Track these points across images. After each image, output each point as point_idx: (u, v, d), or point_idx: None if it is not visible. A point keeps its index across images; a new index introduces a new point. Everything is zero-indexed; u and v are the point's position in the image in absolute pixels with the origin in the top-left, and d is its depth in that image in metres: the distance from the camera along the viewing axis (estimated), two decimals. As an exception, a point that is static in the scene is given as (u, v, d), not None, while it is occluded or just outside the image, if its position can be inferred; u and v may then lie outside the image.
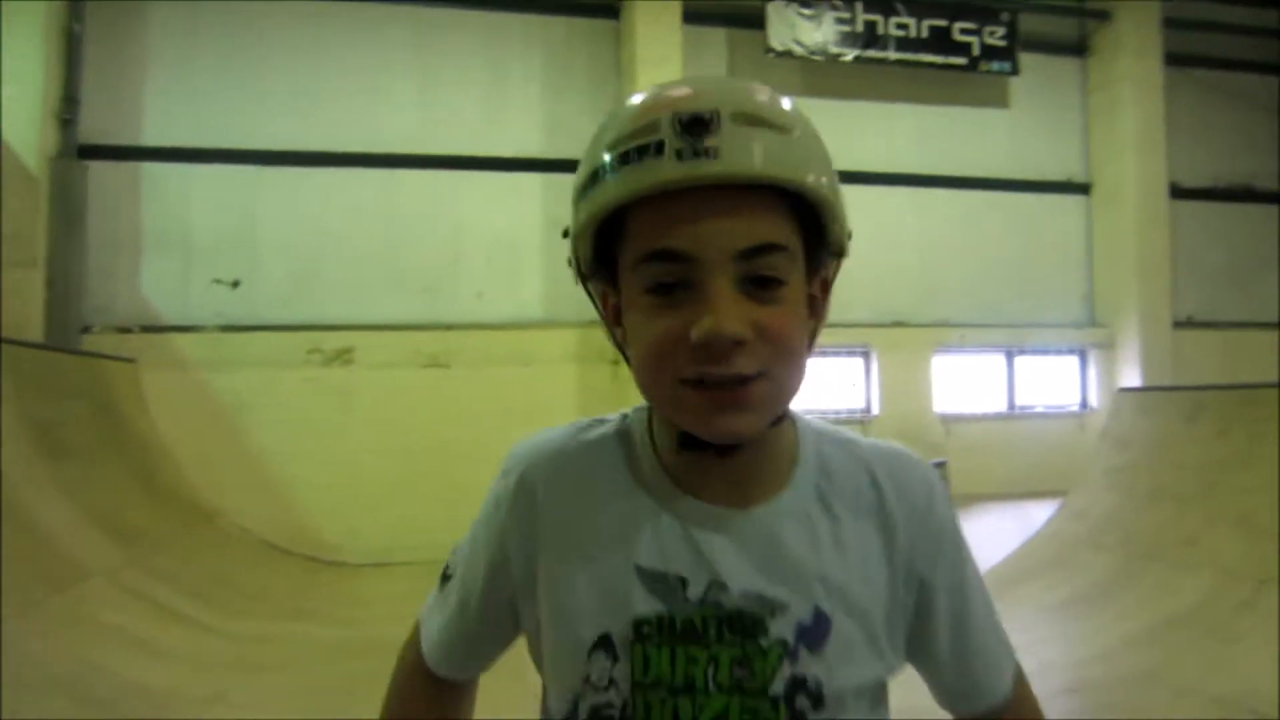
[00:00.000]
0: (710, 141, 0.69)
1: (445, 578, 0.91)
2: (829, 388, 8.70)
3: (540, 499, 0.83)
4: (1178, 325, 9.23)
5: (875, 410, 8.71)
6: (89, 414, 5.28)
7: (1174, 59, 9.35)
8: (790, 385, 0.75)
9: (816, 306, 0.80)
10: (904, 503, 0.84)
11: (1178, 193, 9.40)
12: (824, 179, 0.74)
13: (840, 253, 0.79)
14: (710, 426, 0.74)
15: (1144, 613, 4.08)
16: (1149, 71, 9.17)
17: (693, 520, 0.80)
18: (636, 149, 0.72)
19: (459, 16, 8.01)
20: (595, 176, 0.75)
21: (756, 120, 0.71)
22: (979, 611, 0.87)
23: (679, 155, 0.70)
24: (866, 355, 8.76)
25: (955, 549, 0.86)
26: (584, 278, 0.82)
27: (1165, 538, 4.53)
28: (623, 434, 0.86)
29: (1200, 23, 9.53)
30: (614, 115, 0.76)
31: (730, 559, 0.78)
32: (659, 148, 0.70)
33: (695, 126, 0.70)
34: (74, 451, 4.74)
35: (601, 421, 0.89)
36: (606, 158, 0.74)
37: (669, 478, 0.82)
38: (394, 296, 7.60)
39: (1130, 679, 3.60)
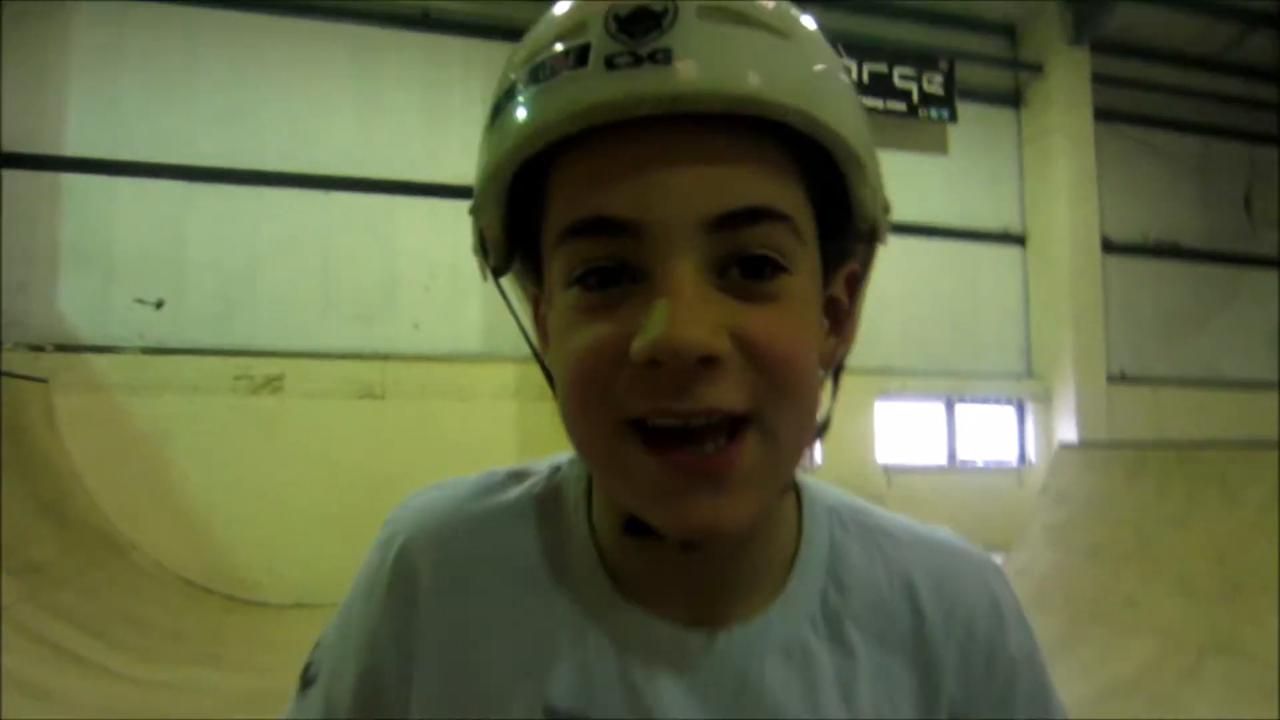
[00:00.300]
0: (661, 43, 0.45)
1: (306, 682, 0.64)
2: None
3: (423, 589, 0.58)
4: (1111, 380, 9.37)
5: (818, 459, 8.66)
6: (-8, 437, 4.94)
7: (1104, 114, 9.57)
8: (796, 438, 0.50)
9: (839, 316, 0.57)
10: (957, 630, 0.59)
11: (1109, 247, 9.60)
12: (847, 111, 0.50)
13: (874, 234, 0.55)
14: (670, 513, 0.48)
15: (1089, 680, 4.04)
16: (1080, 125, 9.36)
17: (634, 645, 0.55)
18: (551, 60, 0.48)
19: (400, 37, 7.81)
20: (499, 111, 0.51)
21: (738, 16, 0.47)
22: None
23: (609, 64, 0.45)
24: None
25: (1034, 700, 0.61)
26: (495, 269, 0.56)
27: (1106, 599, 4.51)
28: (549, 497, 0.61)
29: (1130, 80, 9.77)
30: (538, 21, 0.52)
31: (680, 707, 0.54)
32: (582, 55, 0.46)
33: (638, 21, 0.46)
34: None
35: (522, 476, 0.63)
36: (514, 77, 0.50)
37: (607, 573, 0.57)
38: (327, 323, 7.31)
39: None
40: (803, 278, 0.50)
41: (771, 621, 0.56)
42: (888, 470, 8.77)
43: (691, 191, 0.46)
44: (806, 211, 0.51)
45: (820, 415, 0.53)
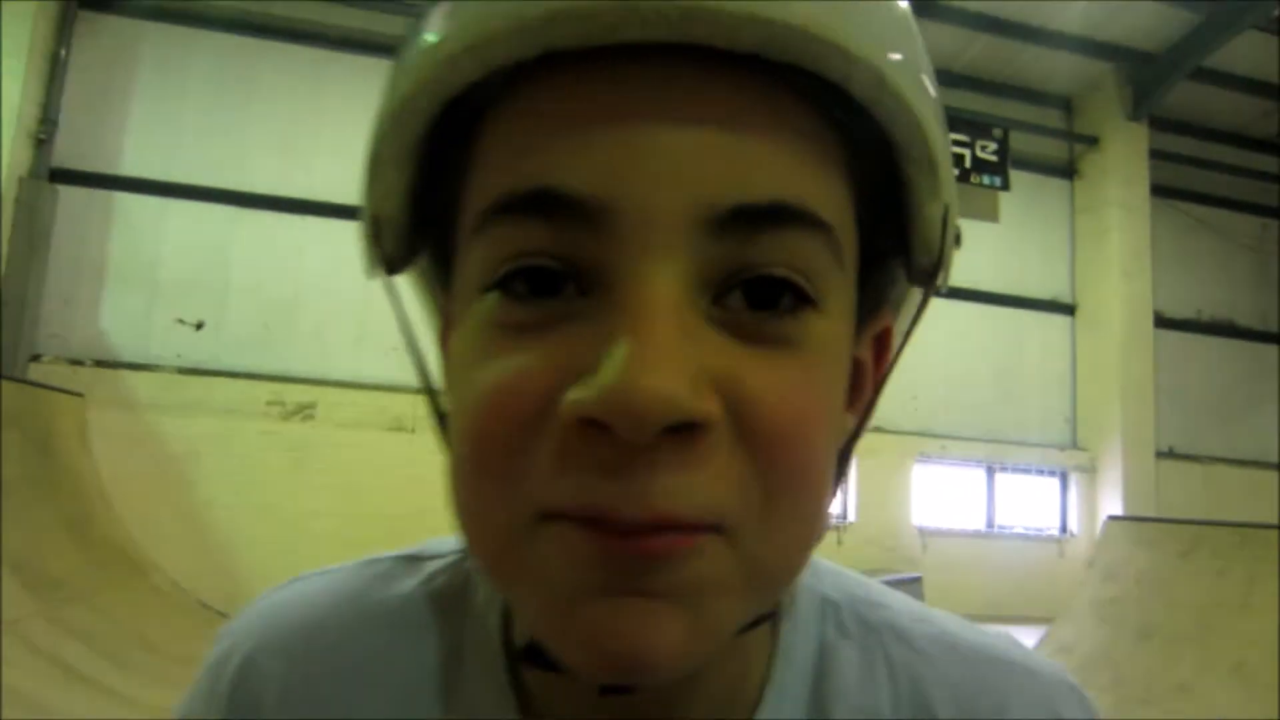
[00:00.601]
0: None
1: None
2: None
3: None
4: (1159, 455, 9.12)
5: (852, 517, 8.46)
6: (21, 447, 4.92)
7: (1160, 190, 9.44)
8: (788, 557, 0.35)
9: (860, 385, 0.41)
10: None
11: (1161, 322, 9.40)
12: (928, 90, 0.35)
13: (934, 273, 0.39)
14: (575, 635, 0.32)
15: None
16: (1136, 199, 9.23)
17: None
18: None
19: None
20: (413, 34, 0.36)
21: None
22: None
23: None
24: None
25: None
26: (389, 263, 0.41)
27: (1158, 682, 4.27)
28: (451, 594, 0.46)
29: (1187, 157, 9.66)
30: None
31: None
32: None
33: None
34: (-1, 486, 4.39)
35: (417, 562, 0.48)
36: None
37: (518, 700, 0.42)
38: (362, 354, 7.27)
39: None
40: (834, 321, 0.35)
41: None
42: (923, 533, 8.56)
43: (690, 166, 0.31)
44: (850, 225, 0.36)
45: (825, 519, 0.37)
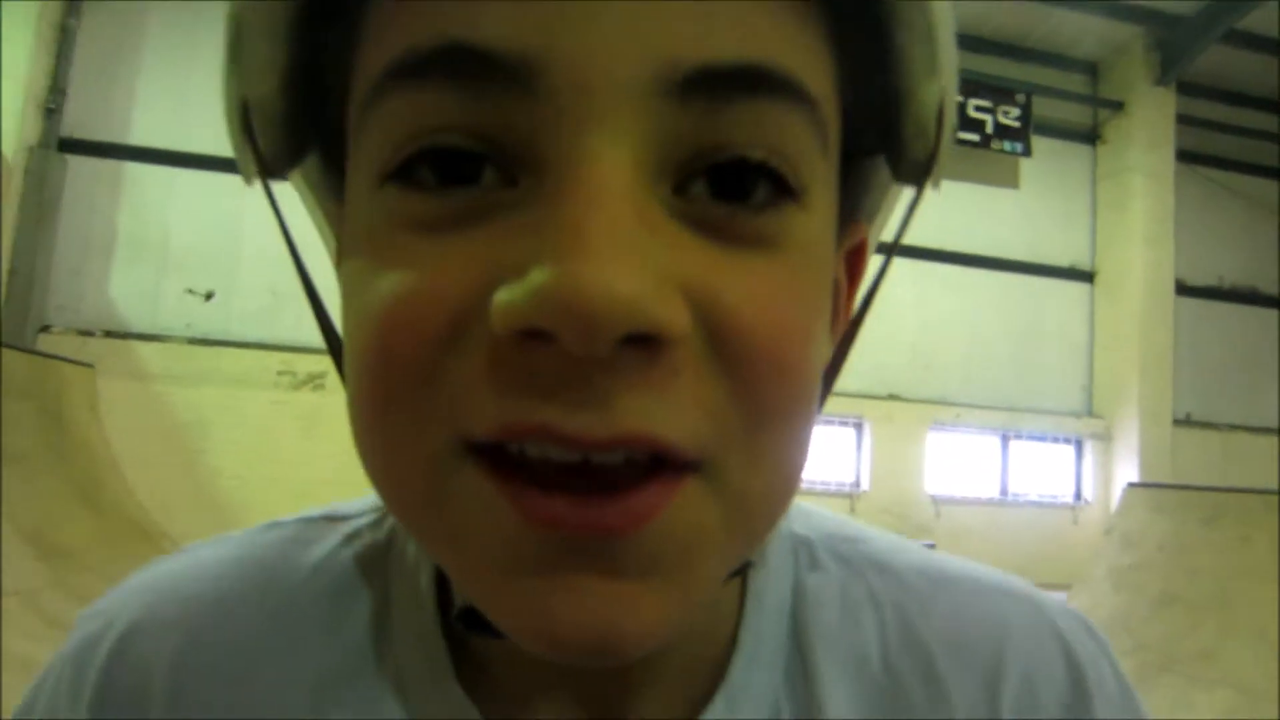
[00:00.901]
0: None
1: None
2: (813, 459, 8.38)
3: (157, 703, 0.36)
4: (1177, 423, 9.04)
5: (865, 485, 8.41)
6: (34, 417, 4.93)
7: (1185, 155, 9.31)
8: (773, 494, 0.29)
9: (836, 304, 0.34)
10: (1005, 699, 0.37)
11: (1181, 289, 9.29)
12: None
13: (928, 166, 0.34)
14: (527, 614, 0.26)
15: None
16: (1161, 164, 9.09)
17: None
18: None
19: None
20: None
21: None
22: None
23: None
24: (859, 426, 8.46)
25: None
26: (269, 164, 0.34)
27: (1179, 648, 4.23)
28: (372, 555, 0.39)
29: (1212, 122, 9.50)
30: None
31: None
32: None
33: None
34: (10, 456, 4.39)
35: (328, 523, 0.41)
36: None
37: (458, 672, 0.36)
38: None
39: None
40: (819, 218, 0.29)
41: None
42: (936, 501, 8.54)
43: (645, 17, 0.25)
44: (834, 103, 0.30)
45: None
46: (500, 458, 0.26)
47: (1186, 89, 9.20)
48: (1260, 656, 3.91)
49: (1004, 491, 8.95)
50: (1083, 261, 9.43)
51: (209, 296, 7.06)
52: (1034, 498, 9.01)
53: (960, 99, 8.73)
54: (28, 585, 3.87)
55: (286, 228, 0.36)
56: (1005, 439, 9.02)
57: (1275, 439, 9.45)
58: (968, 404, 8.80)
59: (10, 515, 4.14)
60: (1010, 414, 8.96)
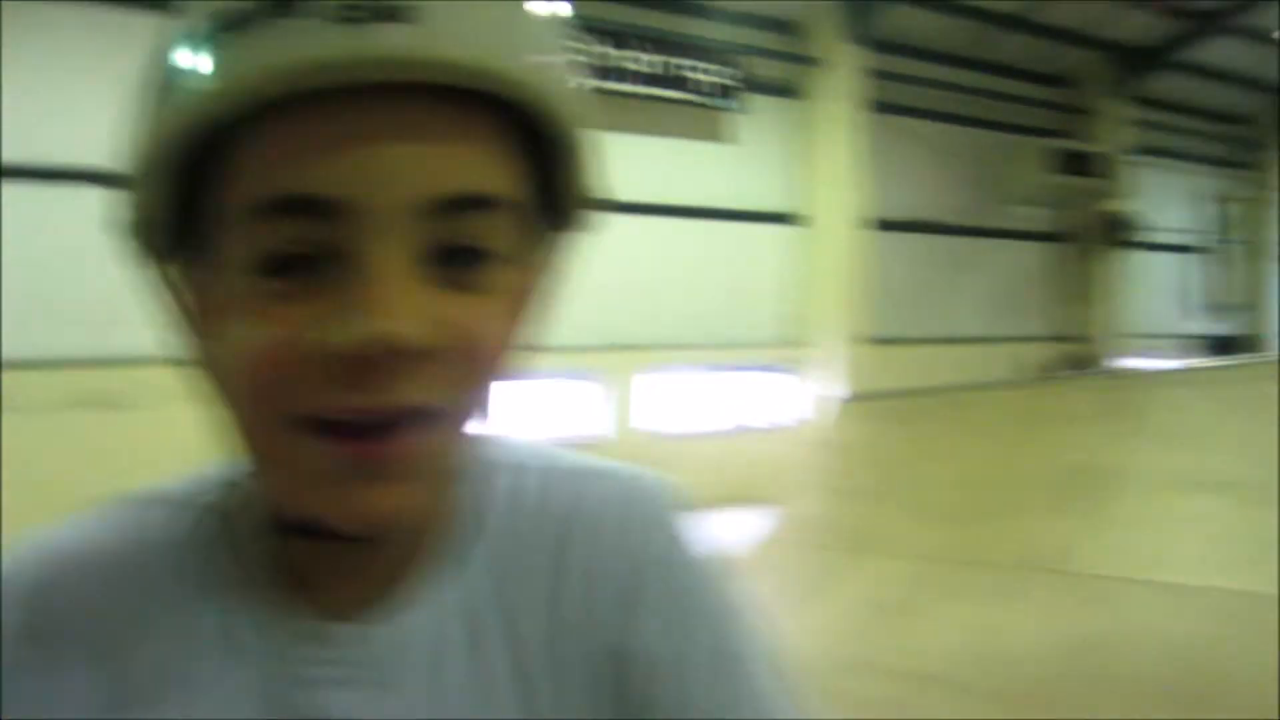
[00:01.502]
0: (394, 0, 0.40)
1: None
2: (549, 412, 8.46)
3: (69, 643, 0.51)
4: (875, 341, 10.06)
5: (608, 433, 8.90)
6: None
7: (882, 106, 10.33)
8: (478, 427, 0.49)
9: (541, 287, 0.53)
10: (579, 549, 0.57)
11: (879, 224, 10.35)
12: (572, 95, 0.47)
13: (576, 210, 0.51)
14: (338, 504, 0.45)
15: (863, 603, 4.46)
16: (855, 114, 10.06)
17: (286, 643, 0.52)
18: (258, 7, 0.40)
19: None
20: (173, 67, 0.43)
21: None
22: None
23: (348, 17, 0.39)
24: (588, 377, 8.83)
25: (685, 614, 0.57)
26: (155, 251, 0.48)
27: (874, 532, 4.98)
28: (220, 510, 0.55)
29: (904, 76, 10.64)
30: None
31: (352, 707, 0.51)
32: (285, 2, 0.40)
33: None
34: None
35: (168, 499, 0.56)
36: (206, 27, 0.42)
37: (284, 580, 0.53)
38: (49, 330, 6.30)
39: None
40: (514, 270, 0.47)
41: (446, 598, 0.54)
42: (660, 438, 9.01)
43: (408, 172, 0.42)
44: (529, 197, 0.47)
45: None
46: (330, 425, 0.43)
47: (881, 46, 10.15)
48: (937, 530, 4.72)
49: (728, 422, 9.56)
50: (790, 206, 10.24)
51: None
52: (756, 425, 9.62)
53: (676, 61, 9.27)
54: None
55: (170, 300, 0.50)
56: (727, 373, 9.67)
57: (960, 347, 10.99)
58: (692, 345, 9.39)
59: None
60: (730, 350, 9.63)
